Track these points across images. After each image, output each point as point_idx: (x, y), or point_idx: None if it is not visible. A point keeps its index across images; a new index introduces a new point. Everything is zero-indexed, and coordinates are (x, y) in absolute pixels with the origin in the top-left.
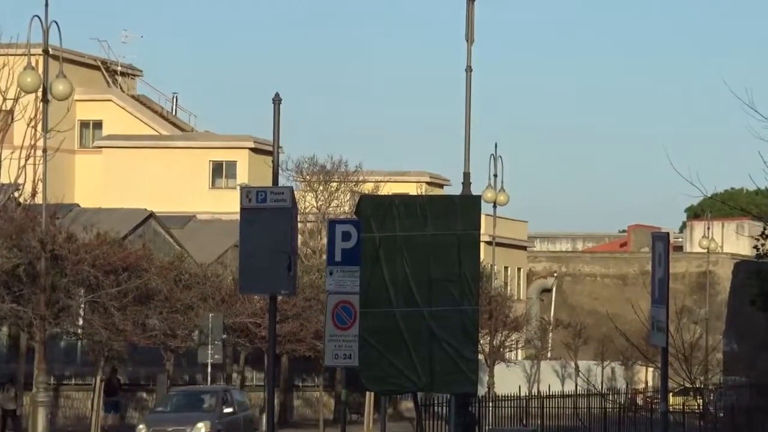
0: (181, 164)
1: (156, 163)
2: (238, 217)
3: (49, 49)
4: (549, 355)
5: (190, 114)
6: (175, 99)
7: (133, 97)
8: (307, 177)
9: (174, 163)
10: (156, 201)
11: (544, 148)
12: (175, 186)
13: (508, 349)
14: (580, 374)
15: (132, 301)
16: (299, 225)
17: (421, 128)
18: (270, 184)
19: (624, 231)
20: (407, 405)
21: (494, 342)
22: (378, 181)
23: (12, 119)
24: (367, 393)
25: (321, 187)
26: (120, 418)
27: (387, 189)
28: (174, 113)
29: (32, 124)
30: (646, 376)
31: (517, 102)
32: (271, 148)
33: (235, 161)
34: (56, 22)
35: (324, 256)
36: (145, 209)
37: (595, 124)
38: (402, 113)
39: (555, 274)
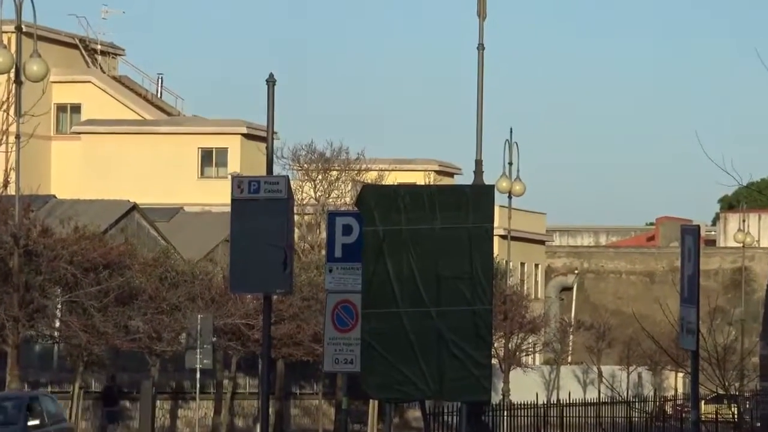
0: (167, 151)
1: (139, 151)
2: (229, 209)
3: (23, 26)
4: (569, 359)
5: (176, 97)
6: (160, 80)
7: (114, 78)
8: (305, 165)
9: (159, 150)
10: (139, 191)
11: (563, 134)
12: (161, 175)
13: (524, 353)
14: (604, 380)
15: (113, 301)
16: (296, 218)
17: (430, 112)
18: (264, 173)
19: (651, 224)
20: (414, 414)
21: (509, 345)
22: (382, 170)
23: None
24: (371, 401)
25: (320, 177)
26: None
27: (392, 178)
28: (159, 96)
29: (4, 107)
30: (676, 382)
31: (534, 85)
32: (264, 134)
33: (226, 148)
34: None
35: (323, 252)
36: (128, 201)
37: (619, 108)
38: (408, 96)
39: (576, 271)
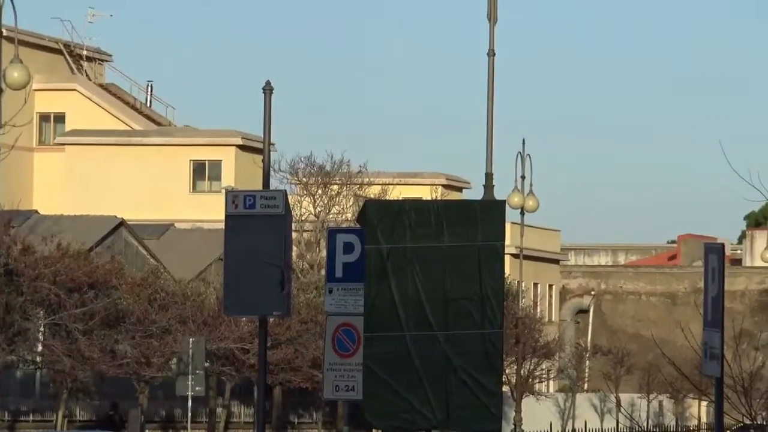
0: (157, 164)
1: (128, 163)
2: (222, 225)
3: (3, 30)
4: (585, 386)
5: (167, 106)
6: (149, 88)
7: (100, 86)
8: (304, 179)
9: (148, 162)
10: (127, 207)
11: (578, 147)
12: (150, 189)
13: (537, 380)
14: (622, 409)
15: (99, 324)
16: (294, 235)
17: (437, 123)
18: (260, 187)
19: (673, 242)
20: None
21: (522, 371)
22: (386, 184)
23: None
24: (373, 431)
25: (319, 191)
26: None
27: (396, 193)
28: (149, 105)
29: None
30: (699, 411)
31: (548, 95)
32: (261, 146)
33: (220, 160)
34: None
35: (322, 271)
36: (115, 216)
37: (638, 118)
38: (414, 106)
39: (593, 292)
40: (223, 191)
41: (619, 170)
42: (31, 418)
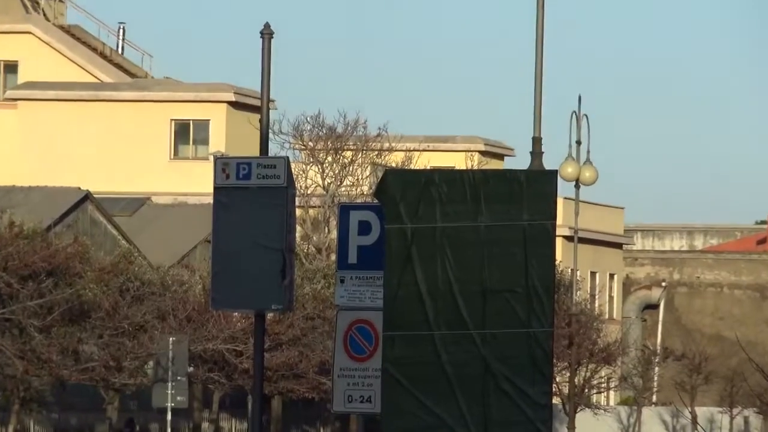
0: (131, 124)
1: (94, 123)
2: (210, 199)
3: None
4: (654, 398)
5: (143, 53)
6: (121, 31)
7: (61, 28)
8: (310, 143)
9: (120, 122)
10: (94, 177)
11: (646, 109)
12: (122, 155)
13: (595, 390)
14: (699, 426)
15: (60, 320)
16: (298, 212)
17: (472, 76)
18: (257, 153)
19: (763, 222)
20: None
21: (576, 379)
22: (411, 150)
23: None
24: None
25: (329, 158)
26: None
27: (423, 161)
28: (120, 51)
29: None
30: None
31: (608, 46)
32: (258, 102)
33: (208, 120)
34: None
35: (333, 257)
36: (79, 188)
37: (718, 77)
38: (444, 55)
39: (663, 284)
40: (211, 158)
41: (697, 138)
42: None
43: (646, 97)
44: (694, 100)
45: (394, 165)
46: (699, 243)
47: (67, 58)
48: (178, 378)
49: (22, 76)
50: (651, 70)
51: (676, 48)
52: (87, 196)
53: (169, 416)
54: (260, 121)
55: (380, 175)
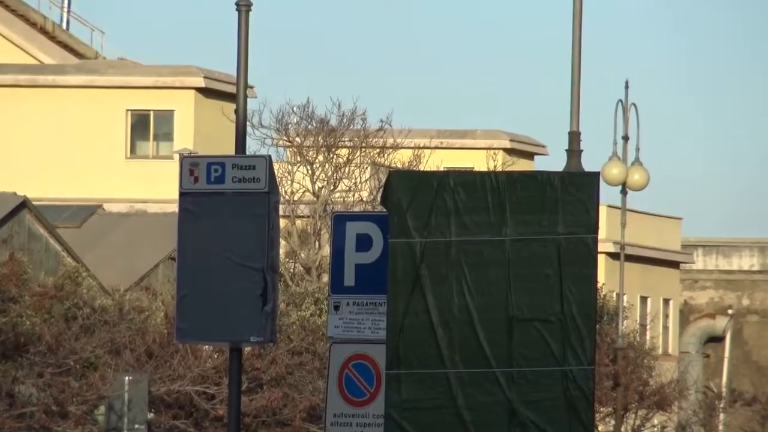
0: (79, 116)
1: (34, 114)
2: (175, 207)
3: None
4: None
5: (92, 29)
6: (66, 2)
7: None
8: (297, 139)
9: (65, 113)
10: (34, 179)
11: (710, 99)
12: (68, 153)
13: None
14: None
15: None
16: (283, 222)
17: (496, 60)
18: (232, 151)
19: None
20: None
21: (623, 428)
22: (420, 148)
23: None
24: None
25: (320, 157)
26: None
27: (435, 161)
28: (65, 27)
29: None
30: None
31: (663, 20)
32: (233, 89)
33: (172, 111)
34: None
35: (325, 278)
36: (14, 193)
37: None
38: (460, 34)
39: (730, 311)
40: (177, 157)
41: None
42: None
43: (709, 84)
44: (762, 83)
45: (399, 166)
46: None
47: (1, 35)
48: (136, 426)
49: None
50: (712, 52)
51: (749, 29)
52: (24, 203)
53: None
54: (236, 111)
55: (383, 178)
